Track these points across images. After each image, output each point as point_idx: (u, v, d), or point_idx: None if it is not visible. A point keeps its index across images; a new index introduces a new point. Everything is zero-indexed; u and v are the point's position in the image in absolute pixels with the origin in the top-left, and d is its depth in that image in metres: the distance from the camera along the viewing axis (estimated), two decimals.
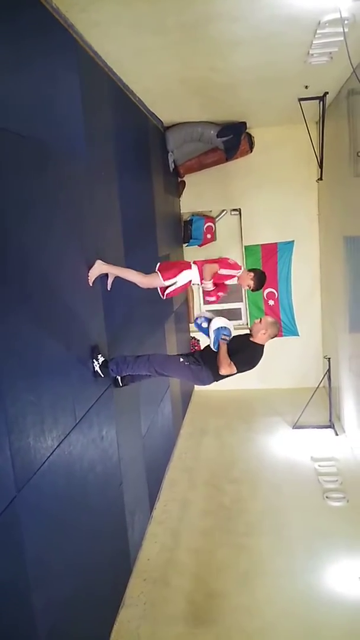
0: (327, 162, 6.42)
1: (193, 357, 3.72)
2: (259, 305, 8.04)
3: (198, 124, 6.63)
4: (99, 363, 3.44)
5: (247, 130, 7.04)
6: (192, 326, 8.31)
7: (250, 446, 6.30)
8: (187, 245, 8.03)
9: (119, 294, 3.98)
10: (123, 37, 3.75)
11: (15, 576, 2.31)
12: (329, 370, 6.61)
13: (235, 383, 8.06)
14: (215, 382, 3.69)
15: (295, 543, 4.35)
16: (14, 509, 2.29)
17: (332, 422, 6.46)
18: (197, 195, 7.77)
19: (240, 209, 7.96)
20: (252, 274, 3.97)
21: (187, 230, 7.94)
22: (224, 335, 3.62)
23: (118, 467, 3.85)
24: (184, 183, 7.71)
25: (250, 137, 7.27)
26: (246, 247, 8.00)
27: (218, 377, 3.61)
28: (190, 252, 8.03)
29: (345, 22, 3.55)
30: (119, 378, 3.78)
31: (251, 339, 3.70)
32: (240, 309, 8.40)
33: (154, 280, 3.85)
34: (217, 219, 8.14)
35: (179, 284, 3.90)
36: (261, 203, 7.66)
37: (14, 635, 2.29)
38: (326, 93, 5.65)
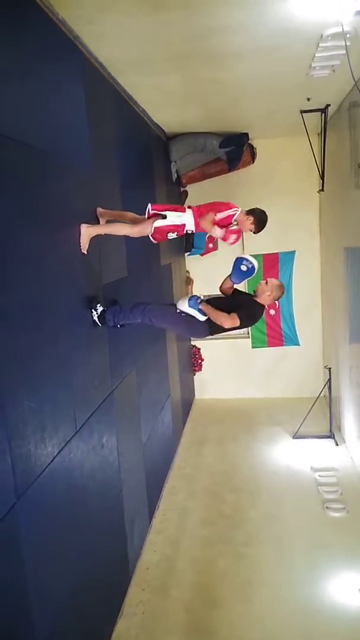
0: (328, 173, 6.47)
1: None
2: None
3: (201, 134, 6.69)
4: (97, 313, 3.47)
5: (249, 141, 7.09)
6: None
7: (251, 455, 6.29)
8: (188, 255, 8.06)
9: (119, 299, 4.00)
10: (127, 48, 3.80)
11: (14, 583, 2.31)
12: (329, 380, 6.61)
13: (236, 392, 8.17)
14: (210, 336, 3.70)
15: (295, 553, 4.33)
16: (13, 515, 2.29)
17: (332, 432, 6.44)
18: None
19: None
20: (251, 217, 3.64)
21: (189, 240, 7.96)
22: (197, 300, 3.54)
23: (118, 475, 3.85)
24: (186, 193, 7.76)
25: (252, 148, 7.33)
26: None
27: (214, 329, 3.60)
28: (192, 262, 8.06)
29: (348, 35, 3.60)
30: (95, 317, 3.60)
31: (254, 298, 3.75)
32: None
33: (145, 227, 3.55)
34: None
35: (169, 221, 3.54)
36: None
37: None
38: (328, 105, 5.70)
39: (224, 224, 3.64)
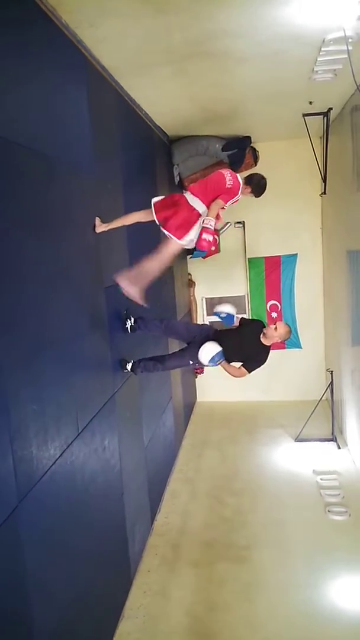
0: (330, 176, 6.47)
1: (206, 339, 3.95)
2: (261, 317, 8.05)
3: (203, 137, 6.70)
4: (131, 322, 4.06)
5: (251, 145, 7.10)
6: None
7: (252, 458, 6.28)
8: (191, 257, 8.05)
9: (121, 305, 4.01)
10: (130, 52, 3.82)
11: (15, 586, 2.31)
12: (331, 383, 6.61)
13: (238, 395, 8.15)
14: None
15: (297, 557, 4.32)
16: (15, 518, 2.29)
17: (334, 436, 6.43)
18: None
19: (244, 221, 8.00)
20: (248, 187, 3.64)
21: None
22: (217, 362, 3.82)
23: (120, 477, 3.85)
24: None
25: (254, 151, 7.33)
26: (249, 260, 8.03)
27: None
28: (194, 265, 8.06)
29: (350, 40, 3.61)
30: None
31: (262, 339, 3.89)
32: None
33: (173, 247, 3.56)
34: (221, 232, 8.18)
35: (195, 235, 3.53)
36: (265, 216, 7.71)
37: None
38: (330, 109, 5.71)
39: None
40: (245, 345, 3.90)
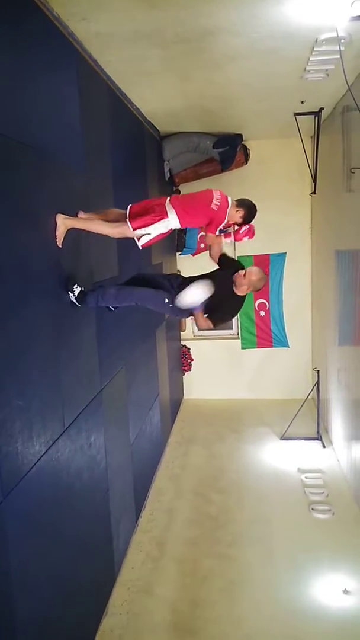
0: (320, 176, 6.49)
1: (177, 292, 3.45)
2: (250, 315, 8.08)
3: (194, 134, 6.69)
4: (74, 295, 3.22)
5: (242, 142, 7.10)
6: (183, 334, 8.34)
7: (238, 456, 6.30)
8: (180, 254, 8.06)
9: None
10: (122, 47, 3.79)
11: None
12: (317, 382, 6.65)
13: (225, 392, 8.18)
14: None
15: (281, 554, 4.35)
16: None
17: (319, 434, 6.48)
18: None
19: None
20: (241, 210, 3.52)
21: (181, 239, 7.98)
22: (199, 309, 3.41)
23: (105, 474, 3.84)
24: (178, 192, 7.75)
25: (245, 149, 7.34)
26: (238, 258, 8.04)
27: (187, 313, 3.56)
28: (183, 261, 8.05)
29: (342, 40, 3.62)
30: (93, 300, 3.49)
31: (234, 288, 3.54)
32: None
33: (125, 230, 3.34)
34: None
35: (154, 235, 3.38)
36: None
37: None
38: (321, 109, 5.72)
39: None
40: (215, 295, 3.37)
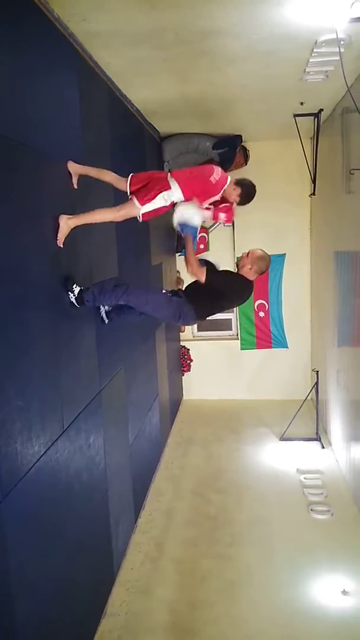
0: (320, 177, 6.50)
1: (176, 292, 3.51)
2: (249, 316, 8.08)
3: (194, 135, 6.70)
4: (74, 294, 3.20)
5: (242, 144, 7.11)
6: (182, 335, 8.34)
7: (237, 457, 6.30)
8: (179, 255, 8.06)
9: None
10: (122, 48, 3.80)
11: None
12: (316, 383, 6.66)
13: (224, 393, 8.18)
14: (198, 321, 3.51)
15: (279, 555, 4.35)
16: None
17: (318, 435, 6.48)
18: None
19: (233, 220, 8.01)
20: (239, 188, 3.44)
21: (180, 240, 7.98)
22: (187, 232, 3.38)
23: (104, 475, 3.84)
24: None
25: (245, 150, 7.34)
26: (238, 258, 8.04)
27: (201, 313, 3.49)
28: (183, 262, 8.03)
29: (342, 42, 3.62)
30: (103, 314, 3.56)
31: (239, 272, 3.52)
32: (230, 319, 8.44)
33: (131, 210, 3.33)
34: (210, 230, 8.20)
35: (158, 204, 3.35)
36: (254, 215, 7.68)
37: None
38: (321, 110, 5.73)
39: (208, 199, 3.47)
40: (220, 277, 3.43)
